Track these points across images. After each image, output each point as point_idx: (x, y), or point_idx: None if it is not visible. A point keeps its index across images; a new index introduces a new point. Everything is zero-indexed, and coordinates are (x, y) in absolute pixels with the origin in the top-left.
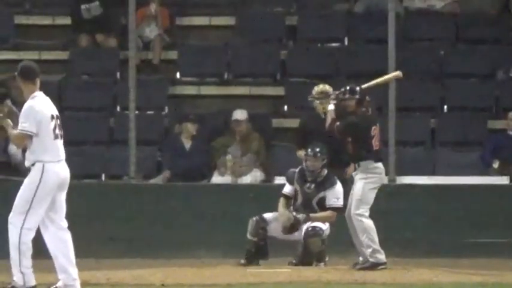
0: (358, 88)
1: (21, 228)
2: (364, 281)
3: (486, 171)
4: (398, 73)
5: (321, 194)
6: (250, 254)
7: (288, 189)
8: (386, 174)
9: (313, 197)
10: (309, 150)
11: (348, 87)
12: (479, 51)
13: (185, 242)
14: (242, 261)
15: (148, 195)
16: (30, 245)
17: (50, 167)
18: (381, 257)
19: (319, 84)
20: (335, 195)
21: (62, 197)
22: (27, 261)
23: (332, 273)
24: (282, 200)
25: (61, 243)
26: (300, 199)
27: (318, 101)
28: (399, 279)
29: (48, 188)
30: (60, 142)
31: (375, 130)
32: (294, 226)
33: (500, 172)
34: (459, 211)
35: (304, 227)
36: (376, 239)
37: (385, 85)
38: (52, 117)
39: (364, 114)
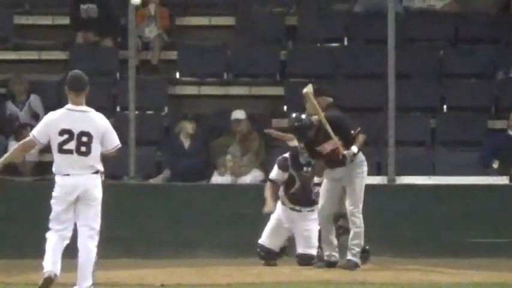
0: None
1: (49, 232)
2: (363, 281)
3: (486, 171)
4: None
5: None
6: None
7: (278, 175)
8: (386, 174)
9: (312, 179)
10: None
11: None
12: (479, 51)
13: (185, 241)
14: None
15: (148, 195)
16: (56, 246)
17: (57, 179)
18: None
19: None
20: None
21: (85, 208)
22: (49, 259)
23: (332, 273)
24: (271, 186)
25: (80, 251)
26: (297, 184)
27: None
28: (399, 279)
29: (56, 197)
30: (69, 157)
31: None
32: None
33: (500, 172)
34: (459, 211)
35: (299, 249)
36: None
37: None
38: (65, 131)
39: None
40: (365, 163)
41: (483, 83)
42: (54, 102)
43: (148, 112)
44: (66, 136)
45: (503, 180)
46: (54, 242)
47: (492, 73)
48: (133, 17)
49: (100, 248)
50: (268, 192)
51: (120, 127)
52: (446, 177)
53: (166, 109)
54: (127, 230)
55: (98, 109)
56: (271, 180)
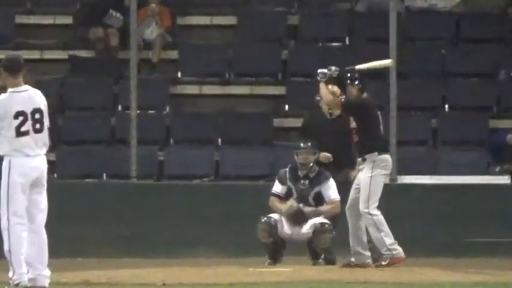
0: (357, 75)
1: (8, 225)
2: (365, 281)
3: (487, 171)
4: (390, 61)
5: (317, 189)
6: (273, 253)
7: (278, 188)
8: None
9: (309, 193)
10: (301, 144)
11: (348, 75)
12: (481, 51)
13: (186, 241)
14: (267, 262)
15: (148, 194)
16: (20, 239)
17: (16, 161)
18: (399, 249)
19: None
20: (331, 188)
21: (40, 194)
22: (17, 258)
23: (333, 273)
24: (275, 199)
25: (38, 238)
26: (294, 196)
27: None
28: (400, 279)
29: (17, 181)
30: (26, 139)
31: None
32: (298, 216)
33: (500, 172)
34: (460, 210)
35: (313, 222)
36: (389, 232)
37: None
38: (19, 114)
39: (369, 99)
40: None
41: (485, 82)
42: (56, 102)
43: (150, 111)
44: (21, 118)
45: (503, 180)
46: (23, 240)
47: (494, 72)
48: (134, 16)
49: (101, 247)
50: (277, 205)
51: (121, 126)
52: (448, 176)
53: (167, 108)
54: (128, 230)
55: (99, 108)
56: (273, 194)
